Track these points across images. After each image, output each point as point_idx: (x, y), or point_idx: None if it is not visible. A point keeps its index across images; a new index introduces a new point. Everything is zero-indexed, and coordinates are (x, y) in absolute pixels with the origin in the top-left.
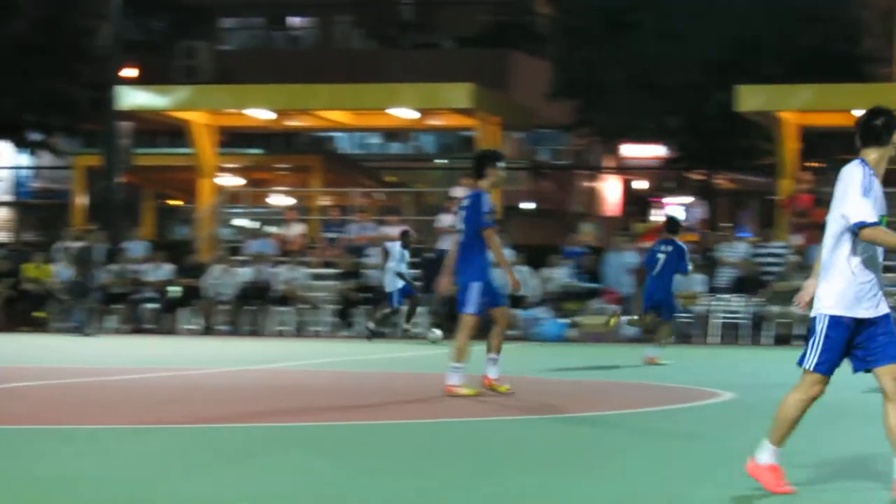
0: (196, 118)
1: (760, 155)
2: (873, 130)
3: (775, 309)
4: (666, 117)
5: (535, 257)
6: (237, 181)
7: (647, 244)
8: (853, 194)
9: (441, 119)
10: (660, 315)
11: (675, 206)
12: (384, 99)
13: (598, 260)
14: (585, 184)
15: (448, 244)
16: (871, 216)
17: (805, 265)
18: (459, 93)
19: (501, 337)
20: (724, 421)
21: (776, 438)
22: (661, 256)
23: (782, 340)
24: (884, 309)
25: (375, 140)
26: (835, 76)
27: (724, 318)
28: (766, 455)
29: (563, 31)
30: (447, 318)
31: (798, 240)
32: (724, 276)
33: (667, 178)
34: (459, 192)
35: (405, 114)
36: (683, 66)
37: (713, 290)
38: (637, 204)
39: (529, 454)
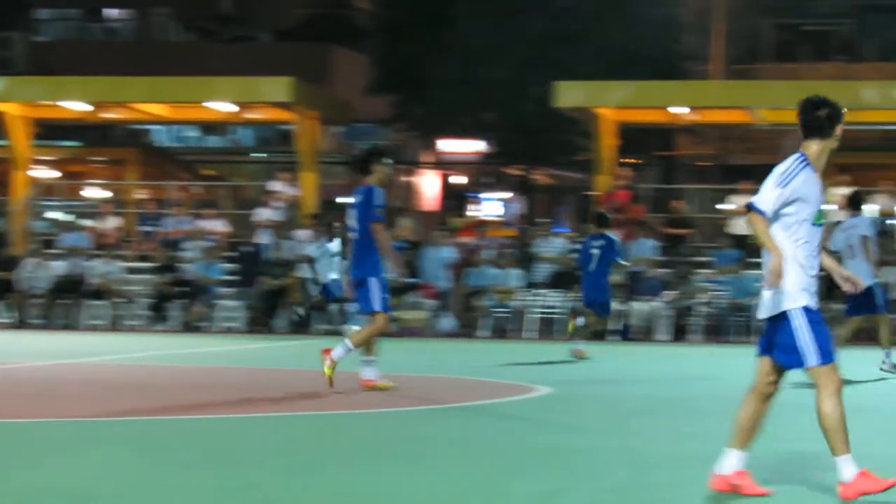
0: (10, 110)
1: (578, 151)
2: (816, 122)
3: None
4: (484, 113)
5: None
6: (52, 174)
7: (464, 239)
8: (769, 182)
9: (259, 113)
10: (598, 314)
11: (493, 202)
12: (201, 92)
13: (416, 254)
14: (403, 178)
15: (266, 238)
16: (766, 204)
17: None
18: (278, 87)
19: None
20: (541, 415)
21: (841, 448)
22: (596, 252)
23: (598, 335)
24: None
25: (193, 133)
26: (652, 73)
27: (541, 312)
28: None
29: (382, 26)
30: (264, 313)
31: (616, 235)
32: (541, 271)
33: (485, 174)
34: (278, 186)
35: (223, 107)
36: (502, 61)
37: (530, 285)
38: (455, 199)
39: (350, 449)
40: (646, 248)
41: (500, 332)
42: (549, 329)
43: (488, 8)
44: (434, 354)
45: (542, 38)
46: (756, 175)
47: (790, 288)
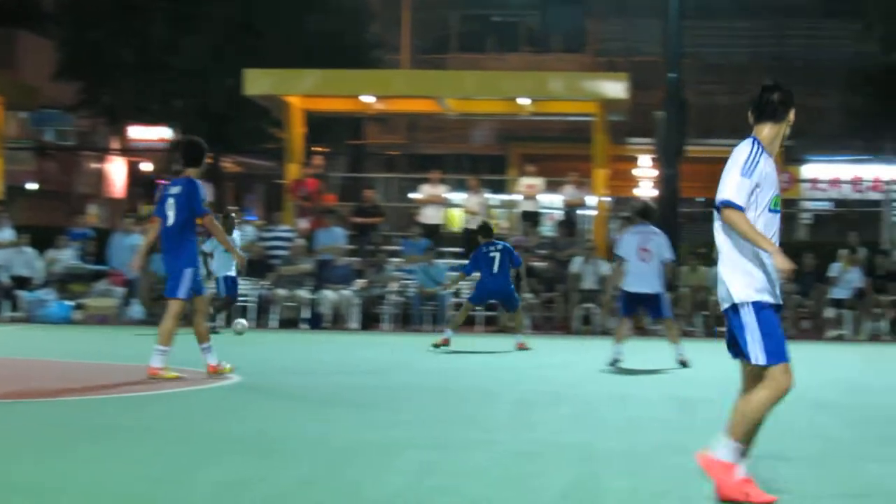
0: None
1: (268, 139)
2: (769, 105)
3: (282, 292)
4: (173, 100)
5: (40, 239)
6: None
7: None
8: (731, 172)
9: None
10: (508, 308)
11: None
12: None
13: (104, 242)
14: (92, 165)
15: None
16: (739, 198)
17: (312, 249)
18: None
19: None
20: (232, 404)
21: (740, 436)
22: (496, 255)
23: (289, 324)
24: (780, 298)
25: None
26: (342, 62)
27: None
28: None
29: (70, 11)
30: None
31: (304, 224)
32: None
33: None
34: None
35: None
36: (191, 48)
37: None
38: (143, 186)
39: (36, 439)
40: (336, 236)
41: (190, 319)
42: (241, 316)
43: None
44: (124, 342)
45: (231, 25)
46: (445, 164)
47: (743, 280)
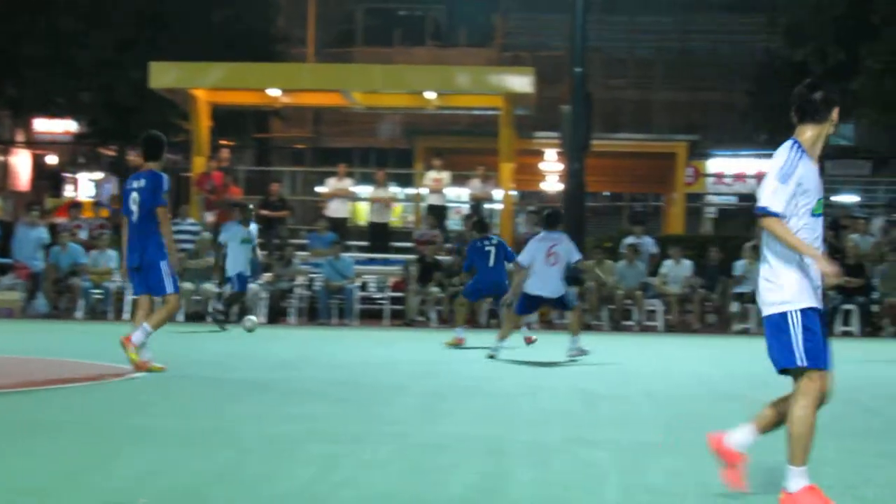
0: None
1: (175, 132)
2: (811, 105)
3: (188, 286)
4: (80, 93)
5: None
6: None
7: (60, 219)
8: (769, 177)
9: None
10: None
11: (87, 182)
12: None
13: (9, 235)
14: None
15: None
16: (777, 204)
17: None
18: None
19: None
20: (139, 397)
21: (799, 458)
22: (491, 249)
23: (196, 318)
24: (822, 304)
25: None
26: (249, 55)
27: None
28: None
29: None
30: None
31: (210, 217)
32: None
33: (80, 154)
34: None
35: None
36: (99, 41)
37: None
38: (49, 179)
39: None
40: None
41: (97, 313)
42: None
43: None
44: (30, 336)
45: (138, 18)
46: (352, 157)
47: (789, 288)
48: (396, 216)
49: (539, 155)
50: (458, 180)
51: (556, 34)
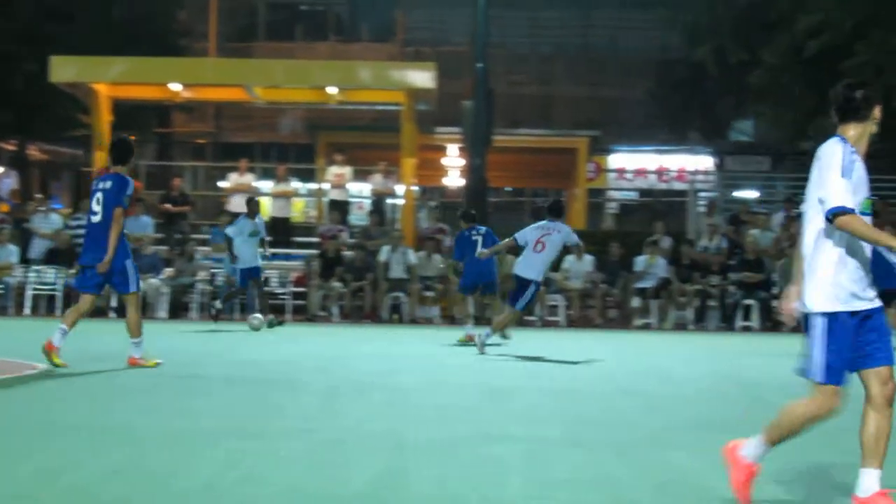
0: None
1: (75, 126)
2: (852, 104)
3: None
4: None
5: None
6: None
7: None
8: (832, 176)
9: None
10: (487, 292)
11: None
12: None
13: None
14: None
15: None
16: (848, 201)
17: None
18: None
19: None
20: (40, 393)
21: (877, 461)
22: (478, 239)
23: (97, 313)
24: (877, 301)
25: None
26: (151, 49)
27: (38, 289)
28: (866, 482)
29: None
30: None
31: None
32: (38, 247)
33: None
34: None
35: None
36: None
37: (27, 261)
38: None
39: None
40: (144, 224)
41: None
42: (48, 305)
43: None
44: None
45: (39, 10)
46: (254, 152)
47: (821, 289)
48: (298, 211)
49: (441, 150)
50: (360, 175)
51: (458, 29)
